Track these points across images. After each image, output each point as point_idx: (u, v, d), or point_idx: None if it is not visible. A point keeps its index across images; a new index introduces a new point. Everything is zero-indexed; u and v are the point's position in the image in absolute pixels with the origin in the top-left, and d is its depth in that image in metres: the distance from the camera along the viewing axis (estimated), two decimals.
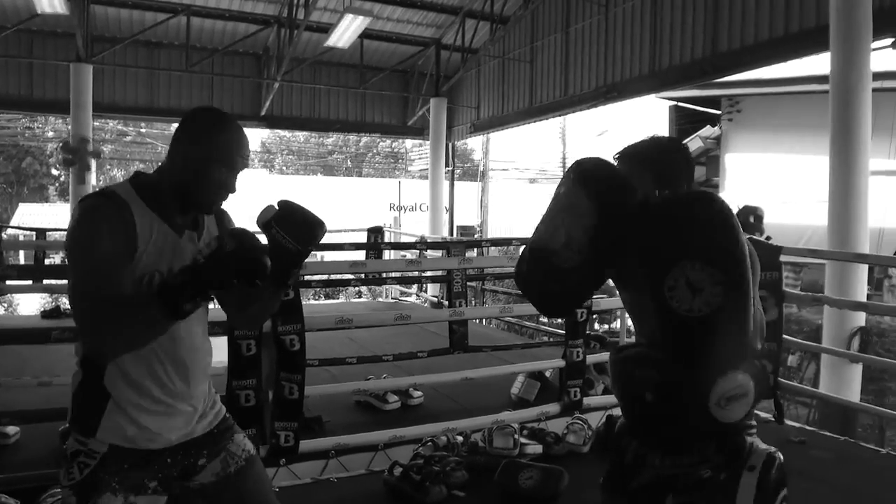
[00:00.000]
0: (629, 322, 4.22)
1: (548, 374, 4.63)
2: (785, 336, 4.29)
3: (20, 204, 24.59)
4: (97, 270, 1.46)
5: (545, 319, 7.51)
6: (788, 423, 4.28)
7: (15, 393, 3.98)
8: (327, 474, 3.32)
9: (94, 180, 11.30)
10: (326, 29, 11.10)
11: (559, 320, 6.05)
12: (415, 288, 10.21)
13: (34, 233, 9.38)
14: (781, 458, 1.70)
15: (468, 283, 5.34)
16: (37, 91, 11.78)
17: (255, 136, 36.05)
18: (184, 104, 12.73)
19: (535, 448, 3.56)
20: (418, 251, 7.55)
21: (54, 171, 29.34)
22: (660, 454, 1.69)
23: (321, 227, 1.55)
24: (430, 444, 3.57)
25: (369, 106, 14.48)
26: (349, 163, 38.76)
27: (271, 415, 3.17)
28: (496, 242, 6.19)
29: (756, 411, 4.30)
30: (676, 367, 1.61)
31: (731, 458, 1.66)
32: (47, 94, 11.74)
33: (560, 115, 12.89)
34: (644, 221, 1.65)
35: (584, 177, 1.68)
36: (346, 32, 10.11)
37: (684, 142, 12.99)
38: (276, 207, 1.51)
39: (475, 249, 6.82)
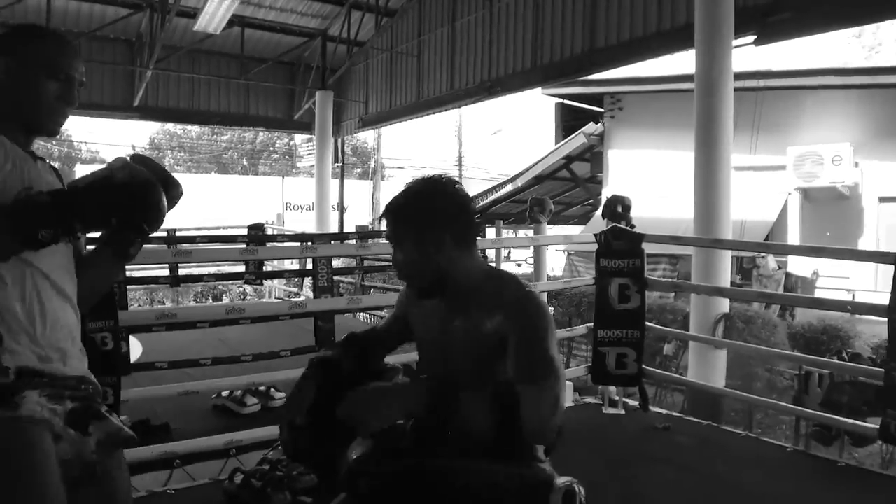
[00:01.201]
0: None
1: None
2: (648, 324, 4.32)
3: None
4: None
5: None
6: (654, 409, 4.33)
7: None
8: (172, 485, 3.08)
9: None
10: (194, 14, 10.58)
11: None
12: (297, 287, 9.94)
13: None
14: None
15: (335, 278, 5.13)
16: None
17: (143, 131, 34.37)
18: None
19: None
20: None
21: None
22: None
23: (178, 187, 1.45)
24: (280, 447, 3.35)
25: (253, 99, 13.95)
26: (245, 161, 37.59)
27: None
28: (365, 235, 6.00)
29: (625, 399, 4.36)
30: None
31: None
32: None
33: (447, 110, 12.85)
34: None
35: None
36: (214, 16, 9.62)
37: (566, 138, 13.27)
38: (129, 159, 1.38)
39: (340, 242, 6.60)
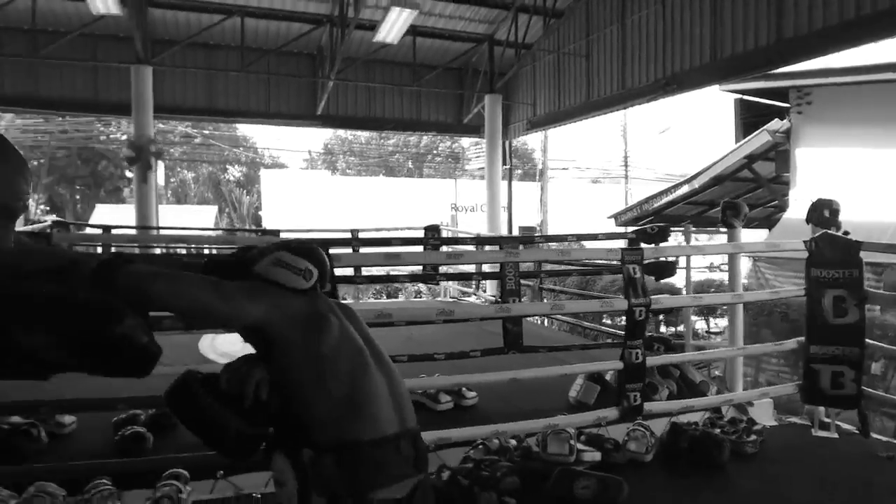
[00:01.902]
0: (696, 324, 3.97)
1: (608, 377, 4.39)
2: (868, 340, 3.94)
3: (97, 205, 25.45)
4: None
5: (607, 320, 7.24)
6: (875, 436, 3.94)
7: (74, 382, 3.97)
8: None
9: (160, 180, 11.53)
10: (373, 27, 11.07)
11: (622, 320, 5.80)
12: (474, 287, 10.07)
13: (101, 229, 9.62)
14: None
15: (523, 282, 5.12)
16: (101, 93, 12.07)
17: (318, 137, 36.49)
18: (241, 105, 12.90)
19: (593, 455, 3.36)
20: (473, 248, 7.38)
21: (128, 174, 30.36)
22: None
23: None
24: (481, 447, 3.40)
25: (424, 104, 14.39)
26: (410, 164, 38.90)
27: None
28: (550, 239, 5.93)
29: (838, 423, 4.00)
30: None
31: None
32: (112, 97, 12.00)
33: (618, 110, 12.52)
34: None
35: None
36: (394, 27, 10.01)
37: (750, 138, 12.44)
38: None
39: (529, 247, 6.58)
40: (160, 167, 11.52)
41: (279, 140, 47.06)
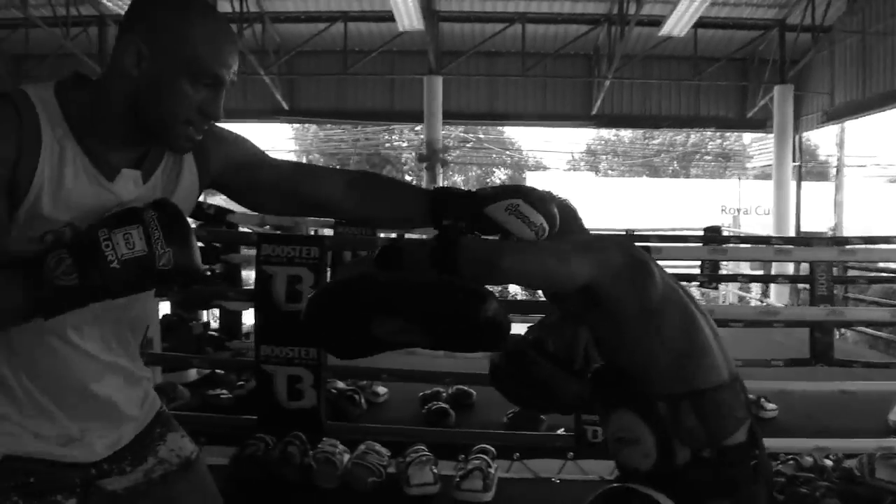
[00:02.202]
0: None
1: None
2: None
3: None
4: None
5: None
6: None
7: (383, 358, 4.45)
8: (563, 475, 3.14)
9: (440, 182, 12.50)
10: (657, 22, 10.79)
11: None
12: (755, 292, 9.42)
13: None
14: None
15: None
16: (396, 103, 13.43)
17: (580, 139, 36.62)
18: (519, 108, 13.46)
19: None
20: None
21: (407, 177, 33.26)
22: None
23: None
24: (791, 462, 3.17)
25: (703, 99, 13.73)
26: (675, 164, 37.34)
27: None
28: (870, 240, 5.29)
29: None
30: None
31: None
32: (405, 106, 13.30)
33: None
34: None
35: None
36: (682, 19, 9.67)
37: None
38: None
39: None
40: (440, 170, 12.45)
41: (547, 142, 47.98)
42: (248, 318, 5.30)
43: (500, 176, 37.69)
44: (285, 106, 13.47)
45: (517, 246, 1.28)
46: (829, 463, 3.23)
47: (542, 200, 1.31)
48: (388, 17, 10.92)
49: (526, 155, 39.01)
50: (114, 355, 1.20)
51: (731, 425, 1.40)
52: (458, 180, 37.47)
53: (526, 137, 37.49)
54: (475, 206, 1.29)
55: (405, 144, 32.40)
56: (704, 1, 9.06)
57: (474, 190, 1.35)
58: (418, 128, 26.79)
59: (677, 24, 9.84)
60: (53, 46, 12.16)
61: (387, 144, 32.55)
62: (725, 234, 9.73)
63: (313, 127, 28.55)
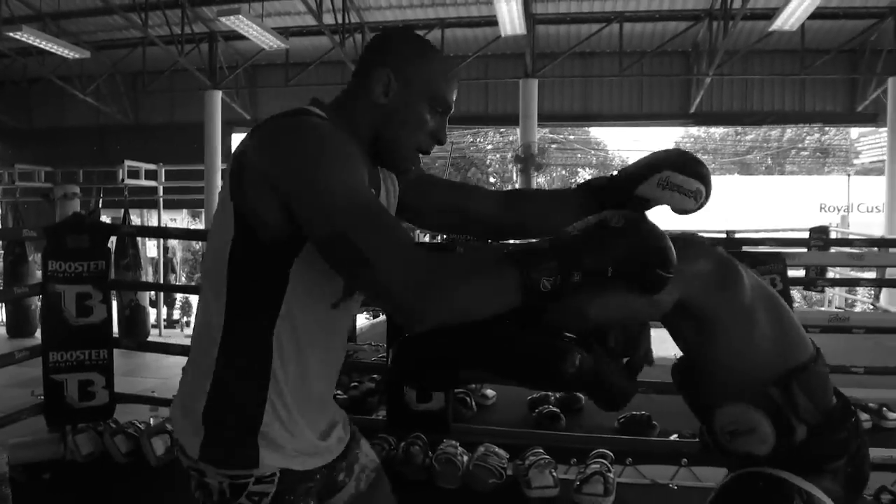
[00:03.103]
0: None
1: None
2: None
3: None
4: (372, 207, 1.07)
5: None
6: None
7: None
8: (677, 481, 3.05)
9: (533, 184, 12.54)
10: (763, 15, 10.47)
11: None
12: (860, 294, 9.00)
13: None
14: None
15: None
16: (490, 106, 13.55)
17: (670, 136, 35.76)
18: (615, 108, 13.33)
19: None
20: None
21: (491, 179, 33.35)
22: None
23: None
24: None
25: (809, 93, 13.21)
26: (769, 160, 35.96)
27: None
28: None
29: None
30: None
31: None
32: (499, 109, 13.41)
33: None
34: None
35: None
36: (795, 12, 9.30)
37: None
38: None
39: None
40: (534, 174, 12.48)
41: (636, 141, 47.11)
42: None
43: (584, 176, 37.30)
44: None
45: (599, 290, 1.16)
46: None
47: (690, 163, 1.24)
48: (485, 22, 11.07)
49: (612, 154, 38.49)
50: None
51: (831, 390, 1.43)
52: (542, 182, 37.28)
53: (613, 137, 36.96)
54: (625, 191, 1.27)
55: (489, 147, 32.54)
56: None
57: (614, 174, 1.35)
58: (503, 130, 26.81)
59: (790, 17, 9.48)
60: (168, 62, 12.94)
61: (472, 147, 32.77)
62: (833, 234, 9.33)
63: None
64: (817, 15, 11.67)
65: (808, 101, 13.28)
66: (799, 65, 12.41)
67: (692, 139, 37.65)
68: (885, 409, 3.85)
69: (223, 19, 9.49)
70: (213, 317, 1.17)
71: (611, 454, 3.11)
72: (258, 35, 10.09)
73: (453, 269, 1.02)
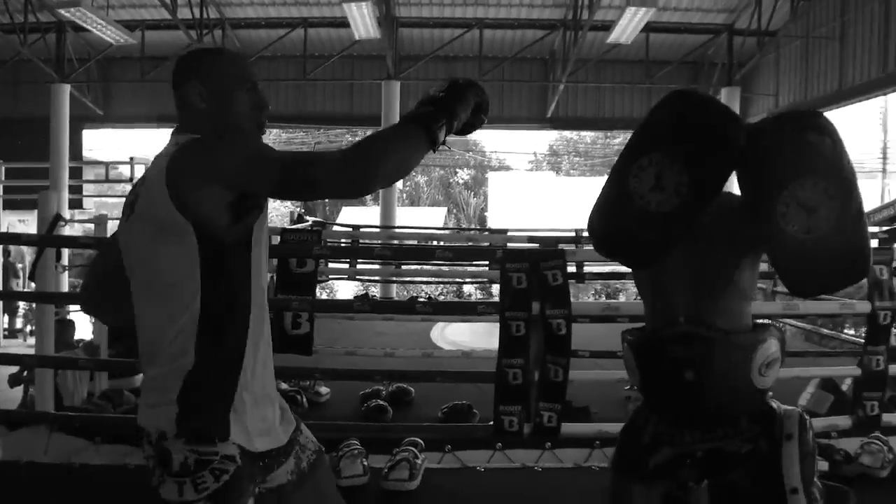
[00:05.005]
0: None
1: (844, 386, 4.17)
2: None
3: (343, 208, 28.25)
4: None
5: (851, 331, 6.72)
6: None
7: (328, 360, 4.38)
8: (591, 463, 3.35)
9: (399, 184, 12.68)
10: (606, 28, 11.10)
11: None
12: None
13: (350, 227, 10.87)
14: (808, 417, 1.65)
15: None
16: (356, 107, 13.60)
17: (544, 139, 37.03)
18: None
19: (820, 465, 3.25)
20: None
21: None
22: (687, 431, 1.63)
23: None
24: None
25: (655, 101, 13.99)
26: None
27: (536, 395, 3.26)
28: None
29: None
30: (722, 340, 1.58)
31: (765, 426, 1.60)
32: (364, 110, 13.47)
33: (876, 96, 11.34)
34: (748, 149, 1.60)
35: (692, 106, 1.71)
36: (628, 27, 9.97)
37: None
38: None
39: None
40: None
41: (510, 143, 48.37)
42: None
43: (462, 177, 37.95)
44: None
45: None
46: None
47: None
48: (348, 23, 11.08)
49: (488, 156, 39.38)
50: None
51: None
52: (420, 181, 37.63)
53: (490, 139, 37.86)
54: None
55: None
56: (650, 10, 9.37)
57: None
58: (370, 131, 26.77)
59: (624, 32, 10.16)
60: (10, 52, 12.09)
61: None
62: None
63: (275, 130, 28.44)
64: (661, 29, 12.59)
65: None
66: (645, 74, 13.27)
67: (564, 141, 39.21)
68: None
69: (63, 11, 8.97)
70: (181, 321, 1.35)
71: (421, 442, 3.27)
72: (102, 28, 9.61)
73: (378, 144, 1.34)
